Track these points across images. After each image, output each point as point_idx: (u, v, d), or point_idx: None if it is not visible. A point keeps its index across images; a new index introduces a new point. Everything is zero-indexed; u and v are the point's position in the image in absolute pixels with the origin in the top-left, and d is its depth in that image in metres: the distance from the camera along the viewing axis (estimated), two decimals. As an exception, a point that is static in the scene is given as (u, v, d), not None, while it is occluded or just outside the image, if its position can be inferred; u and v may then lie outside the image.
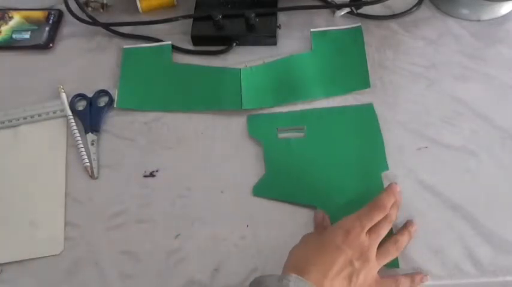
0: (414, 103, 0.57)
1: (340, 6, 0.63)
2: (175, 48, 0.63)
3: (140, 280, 0.49)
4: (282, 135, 0.55)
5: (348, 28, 0.63)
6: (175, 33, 0.65)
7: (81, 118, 0.59)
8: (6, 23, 0.67)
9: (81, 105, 0.60)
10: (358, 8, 0.63)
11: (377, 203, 0.46)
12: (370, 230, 0.45)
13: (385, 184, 0.51)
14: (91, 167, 0.55)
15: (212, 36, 0.63)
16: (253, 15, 0.61)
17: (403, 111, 0.56)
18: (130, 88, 0.61)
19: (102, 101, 0.60)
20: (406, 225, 0.48)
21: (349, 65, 0.60)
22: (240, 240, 0.50)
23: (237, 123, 0.57)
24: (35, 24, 0.67)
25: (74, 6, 0.65)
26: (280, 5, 0.64)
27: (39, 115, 0.59)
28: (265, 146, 0.55)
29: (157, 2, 0.67)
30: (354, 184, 0.51)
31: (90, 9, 0.67)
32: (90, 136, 0.57)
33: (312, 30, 0.63)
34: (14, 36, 0.66)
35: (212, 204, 0.52)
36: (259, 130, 0.56)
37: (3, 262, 0.50)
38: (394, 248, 0.45)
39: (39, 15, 0.68)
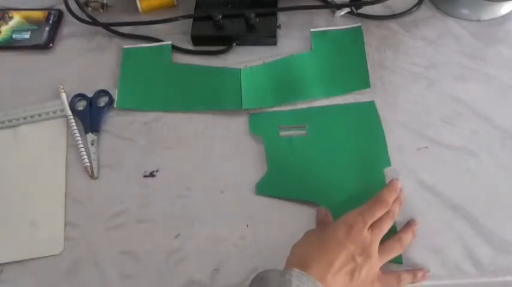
0: (414, 103, 0.57)
1: (340, 6, 0.63)
2: (175, 48, 0.63)
3: (140, 280, 0.49)
4: (283, 133, 0.56)
5: (348, 28, 0.63)
6: (175, 33, 0.65)
7: (81, 118, 0.59)
8: (6, 23, 0.67)
9: (81, 105, 0.60)
10: (358, 8, 0.63)
11: (379, 199, 0.46)
12: (372, 226, 0.45)
13: (387, 180, 0.51)
14: (91, 167, 0.55)
15: (212, 36, 0.63)
16: (253, 15, 0.61)
17: (403, 111, 0.56)
18: (130, 88, 0.61)
19: (102, 101, 0.60)
20: (409, 223, 0.48)
21: (349, 65, 0.60)
22: (240, 240, 0.50)
23: (237, 123, 0.57)
24: (35, 24, 0.67)
25: (74, 6, 0.65)
26: (280, 5, 0.64)
27: (39, 115, 0.59)
28: (267, 144, 0.55)
29: (157, 2, 0.67)
30: (356, 181, 0.52)
31: (90, 9, 0.67)
32: (90, 136, 0.57)
33: (312, 30, 0.63)
34: (14, 36, 0.66)
35: (212, 204, 0.52)
36: (261, 128, 0.56)
37: (3, 262, 0.50)
38: (398, 245, 0.46)
39: (39, 15, 0.68)
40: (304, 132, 0.55)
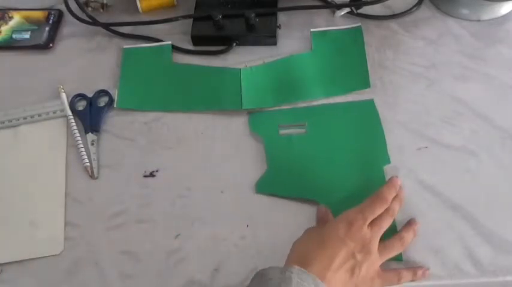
0: (414, 103, 0.57)
1: (340, 6, 0.63)
2: (175, 48, 0.63)
3: (140, 280, 0.49)
4: (283, 131, 0.56)
5: (348, 28, 0.63)
6: (175, 33, 0.65)
7: (81, 118, 0.59)
8: (6, 23, 0.67)
9: (81, 105, 0.60)
10: (358, 8, 0.63)
11: (378, 196, 0.46)
12: (372, 223, 0.45)
13: (387, 178, 0.51)
14: (91, 167, 0.55)
15: (212, 36, 0.63)
16: (253, 15, 0.61)
17: (403, 111, 0.56)
18: (130, 88, 0.61)
19: (102, 101, 0.60)
20: (410, 222, 0.48)
21: (349, 65, 0.60)
22: (240, 240, 0.50)
23: (237, 123, 0.57)
24: (35, 24, 0.67)
25: (74, 6, 0.65)
26: (280, 5, 0.64)
27: (39, 115, 0.59)
28: (267, 142, 0.55)
29: (157, 2, 0.67)
30: (356, 178, 0.52)
31: (90, 9, 0.67)
32: (90, 136, 0.57)
33: (312, 30, 0.63)
34: (14, 36, 0.66)
35: (212, 204, 0.52)
36: (261, 127, 0.56)
37: (3, 262, 0.50)
38: (399, 244, 0.46)
39: (39, 15, 0.68)
40: (303, 130, 0.55)
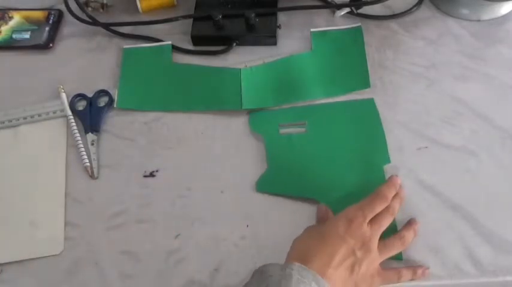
0: (414, 103, 0.57)
1: (340, 6, 0.63)
2: (175, 48, 0.63)
3: (140, 280, 0.49)
4: (283, 130, 0.56)
5: (348, 28, 0.63)
6: (175, 33, 0.65)
7: (81, 118, 0.59)
8: (6, 23, 0.67)
9: (81, 105, 0.60)
10: (358, 8, 0.63)
11: (378, 194, 0.46)
12: (372, 221, 0.45)
13: (387, 177, 0.51)
14: (91, 167, 0.55)
15: (212, 36, 0.63)
16: (253, 15, 0.61)
17: (403, 111, 0.56)
18: (130, 88, 0.61)
19: (102, 101, 0.60)
20: (410, 222, 0.48)
21: (349, 65, 0.60)
22: (240, 240, 0.50)
23: (237, 123, 0.57)
24: (35, 24, 0.67)
25: (74, 6, 0.65)
26: (280, 5, 0.64)
27: (39, 115, 0.59)
28: (267, 141, 0.55)
29: (157, 2, 0.67)
30: (356, 177, 0.52)
31: (90, 9, 0.67)
32: (90, 136, 0.57)
33: (312, 30, 0.63)
34: (14, 36, 0.66)
35: (212, 204, 0.52)
36: (261, 126, 0.56)
37: (3, 262, 0.50)
38: (400, 243, 0.46)
39: (39, 15, 0.68)
40: (303, 129, 0.55)
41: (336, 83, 0.59)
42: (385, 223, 0.46)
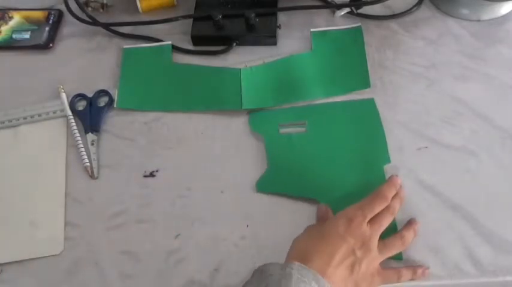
0: (414, 103, 0.57)
1: (340, 6, 0.63)
2: (175, 48, 0.63)
3: (140, 280, 0.49)
4: (283, 130, 0.56)
5: (348, 28, 0.63)
6: (175, 33, 0.65)
7: (81, 118, 0.59)
8: (6, 23, 0.67)
9: (81, 105, 0.60)
10: (358, 8, 0.63)
11: (378, 194, 0.47)
12: (372, 221, 0.45)
13: (387, 177, 0.51)
14: (91, 167, 0.55)
15: (212, 36, 0.63)
16: (253, 15, 0.61)
17: (403, 111, 0.56)
18: (130, 88, 0.61)
19: (102, 101, 0.60)
20: (410, 222, 0.48)
21: (349, 65, 0.60)
22: (240, 240, 0.50)
23: (237, 123, 0.57)
24: (35, 24, 0.67)
25: (74, 6, 0.65)
26: (280, 5, 0.64)
27: (39, 115, 0.59)
28: (267, 141, 0.55)
29: (157, 2, 0.67)
30: (356, 177, 0.52)
31: (90, 9, 0.67)
32: (90, 136, 0.57)
33: (312, 30, 0.63)
34: (14, 36, 0.66)
35: (212, 204, 0.52)
36: (261, 126, 0.56)
37: (3, 262, 0.50)
38: (400, 242, 0.46)
39: (39, 15, 0.68)
40: (303, 129, 0.55)
41: (336, 83, 0.59)
42: (385, 223, 0.46)
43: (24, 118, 0.59)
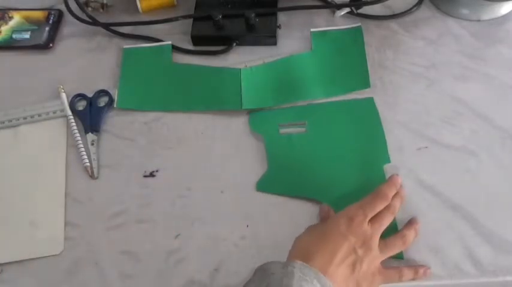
0: (414, 103, 0.57)
1: (340, 6, 0.63)
2: (175, 48, 0.63)
3: (140, 280, 0.49)
4: (283, 130, 0.56)
5: (348, 28, 0.63)
6: (175, 33, 0.65)
7: (81, 118, 0.59)
8: (6, 23, 0.67)
9: (81, 105, 0.60)
10: (358, 8, 0.63)
11: (379, 193, 0.47)
12: (373, 220, 0.45)
13: (387, 177, 0.51)
14: (91, 167, 0.55)
15: (212, 36, 0.63)
16: (253, 15, 0.61)
17: (403, 111, 0.56)
18: (130, 88, 0.61)
19: (102, 101, 0.60)
20: (411, 221, 0.48)
21: (349, 65, 0.60)
22: (240, 240, 0.50)
23: (237, 123, 0.57)
24: (35, 24, 0.67)
25: (74, 6, 0.65)
26: (280, 5, 0.64)
27: (39, 115, 0.59)
28: (267, 141, 0.55)
29: (157, 2, 0.67)
30: (356, 177, 0.52)
31: (90, 9, 0.67)
32: (90, 136, 0.57)
33: (312, 30, 0.63)
34: (14, 36, 0.66)
35: (212, 204, 0.52)
36: (261, 126, 0.56)
37: (3, 262, 0.50)
38: (401, 242, 0.46)
39: (39, 15, 0.68)
40: (303, 129, 0.55)
41: (336, 83, 0.59)
42: (386, 222, 0.46)
43: (24, 118, 0.59)
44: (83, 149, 0.56)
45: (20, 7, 0.69)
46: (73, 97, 0.60)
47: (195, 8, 0.65)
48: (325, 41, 0.62)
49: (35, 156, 0.57)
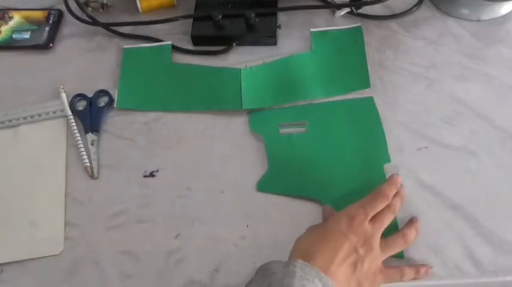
0: (414, 103, 0.57)
1: (340, 6, 0.63)
2: (175, 48, 0.63)
3: (140, 280, 0.49)
4: (283, 130, 0.56)
5: (348, 28, 0.63)
6: (175, 33, 0.65)
7: (81, 118, 0.59)
8: (6, 23, 0.67)
9: (81, 105, 0.60)
10: (358, 8, 0.63)
11: (379, 192, 0.47)
12: (373, 219, 0.45)
13: (387, 176, 0.51)
14: (91, 167, 0.55)
15: (212, 36, 0.63)
16: (253, 15, 0.61)
17: (403, 111, 0.56)
18: (130, 88, 0.61)
19: (102, 101, 0.60)
20: (412, 221, 0.48)
21: (349, 65, 0.60)
22: (240, 240, 0.50)
23: (237, 123, 0.57)
24: (35, 24, 0.67)
25: (74, 6, 0.65)
26: (280, 5, 0.64)
27: (39, 115, 0.59)
28: (267, 141, 0.55)
29: (157, 2, 0.67)
30: (357, 177, 0.52)
31: (90, 9, 0.67)
32: (90, 136, 0.57)
33: (312, 30, 0.63)
34: (14, 36, 0.66)
35: (212, 204, 0.52)
36: (261, 126, 0.56)
37: (3, 262, 0.50)
38: (402, 241, 0.46)
39: (39, 15, 0.68)
40: (303, 129, 0.55)
41: (336, 83, 0.59)
42: (387, 221, 0.46)
43: (24, 118, 0.59)
44: (83, 149, 0.56)
45: (20, 7, 0.69)
46: (73, 97, 0.60)
47: (195, 8, 0.65)
48: (325, 41, 0.62)
49: (35, 156, 0.57)
